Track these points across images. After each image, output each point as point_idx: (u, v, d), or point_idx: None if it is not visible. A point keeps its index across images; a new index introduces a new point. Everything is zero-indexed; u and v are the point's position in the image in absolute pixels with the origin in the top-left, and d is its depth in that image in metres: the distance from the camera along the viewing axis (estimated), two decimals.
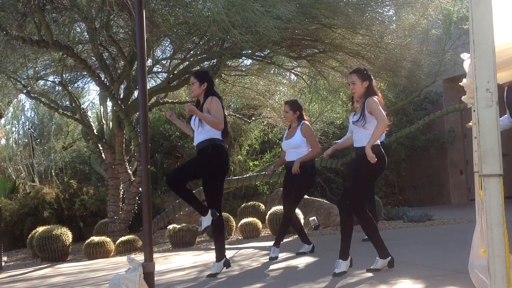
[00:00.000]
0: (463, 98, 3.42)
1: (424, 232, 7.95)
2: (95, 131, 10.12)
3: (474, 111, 3.36)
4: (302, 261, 5.97)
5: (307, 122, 6.40)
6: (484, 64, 1.58)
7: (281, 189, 11.33)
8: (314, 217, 9.22)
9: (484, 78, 1.58)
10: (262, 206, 10.71)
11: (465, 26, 9.64)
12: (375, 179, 5.20)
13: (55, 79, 10.72)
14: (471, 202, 12.36)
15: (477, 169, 3.34)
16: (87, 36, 9.17)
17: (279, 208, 9.05)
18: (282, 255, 6.43)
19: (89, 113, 10.69)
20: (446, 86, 12.62)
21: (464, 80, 3.38)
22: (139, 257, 3.35)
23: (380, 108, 4.79)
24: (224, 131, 5.37)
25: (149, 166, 2.73)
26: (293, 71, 10.62)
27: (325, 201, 10.03)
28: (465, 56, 3.45)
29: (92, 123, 10.24)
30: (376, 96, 4.87)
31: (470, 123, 3.94)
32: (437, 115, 11.03)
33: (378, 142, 4.83)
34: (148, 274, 2.78)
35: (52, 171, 14.22)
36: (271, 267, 5.70)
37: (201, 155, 5.32)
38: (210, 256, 7.17)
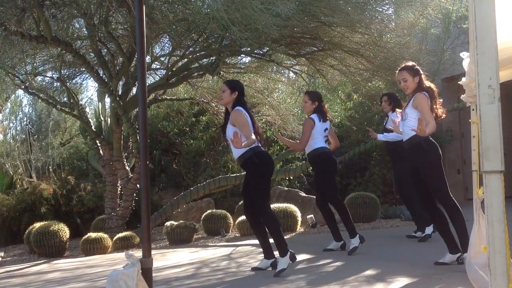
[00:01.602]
0: (462, 97, 3.42)
1: None
2: (93, 127, 10.11)
3: (473, 109, 3.37)
4: (300, 258, 5.97)
5: (310, 118, 6.39)
6: (487, 60, 1.58)
7: (279, 186, 11.39)
8: (312, 215, 9.24)
9: (487, 75, 1.58)
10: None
11: (464, 25, 9.64)
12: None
13: (54, 75, 10.70)
14: (468, 202, 12.40)
15: (476, 168, 3.35)
16: (85, 32, 9.14)
17: (277, 205, 9.07)
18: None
19: (87, 110, 10.69)
20: (444, 86, 12.61)
21: (463, 79, 3.39)
22: (137, 253, 3.35)
23: (428, 107, 4.85)
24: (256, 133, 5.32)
25: (148, 162, 2.72)
26: (292, 69, 10.61)
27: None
28: (464, 55, 3.45)
29: (90, 120, 10.22)
30: (425, 92, 4.90)
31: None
32: None
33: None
34: (146, 270, 2.77)
35: (50, 167, 14.22)
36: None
37: (247, 167, 5.29)
38: (207, 253, 7.19)
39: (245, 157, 5.22)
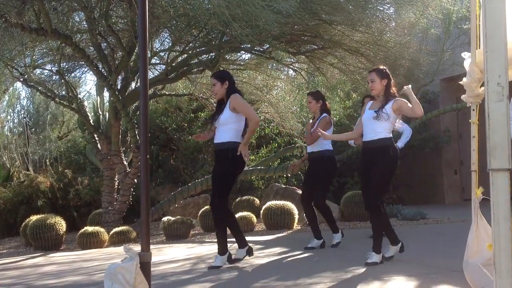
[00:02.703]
0: (462, 97, 3.41)
1: (418, 230, 7.97)
2: (91, 121, 10.10)
3: (473, 110, 3.36)
4: (296, 255, 5.98)
5: (327, 116, 6.47)
6: (496, 57, 1.58)
7: (276, 184, 11.39)
8: None
9: (496, 72, 1.59)
10: (257, 201, 10.71)
11: (464, 26, 9.65)
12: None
13: (53, 68, 10.68)
14: (465, 202, 12.44)
15: (475, 168, 3.34)
16: (86, 25, 9.13)
17: (274, 203, 9.08)
18: (276, 250, 6.44)
19: (85, 103, 10.68)
20: (443, 86, 12.64)
21: (465, 79, 3.38)
22: (133, 248, 3.34)
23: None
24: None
25: (148, 156, 2.72)
26: (291, 66, 10.61)
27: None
28: (466, 55, 3.44)
29: (88, 113, 10.21)
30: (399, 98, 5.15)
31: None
32: (434, 114, 11.03)
33: (390, 135, 5.17)
34: (145, 264, 2.77)
35: (47, 160, 14.19)
36: (264, 260, 5.70)
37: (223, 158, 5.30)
38: (203, 249, 7.19)
39: (225, 147, 5.23)
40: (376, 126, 5.09)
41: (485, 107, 1.64)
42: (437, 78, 11.27)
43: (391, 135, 5.21)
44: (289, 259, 5.85)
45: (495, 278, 1.60)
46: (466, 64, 3.41)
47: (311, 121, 6.79)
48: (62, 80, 10.17)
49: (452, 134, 13.12)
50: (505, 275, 1.56)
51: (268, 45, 8.85)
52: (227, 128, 5.27)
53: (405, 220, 9.02)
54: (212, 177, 5.47)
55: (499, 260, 1.58)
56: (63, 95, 10.25)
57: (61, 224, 8.61)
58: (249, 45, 8.72)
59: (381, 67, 5.32)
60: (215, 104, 11.24)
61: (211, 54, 9.30)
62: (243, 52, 10.12)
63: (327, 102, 6.74)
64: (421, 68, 9.69)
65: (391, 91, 5.16)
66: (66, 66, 10.76)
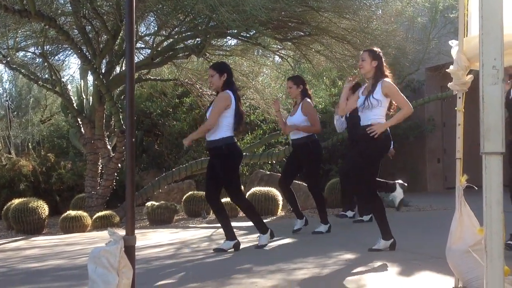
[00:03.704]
0: (449, 85, 3.42)
1: (401, 217, 8.03)
2: (75, 105, 9.99)
3: (459, 98, 3.38)
4: (280, 242, 6.00)
5: (309, 100, 6.43)
6: (492, 40, 1.58)
7: (261, 170, 11.40)
8: None
9: (491, 55, 1.58)
10: (241, 187, 10.70)
11: (451, 15, 9.68)
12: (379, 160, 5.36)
13: (36, 51, 10.52)
14: (447, 190, 12.58)
15: (460, 156, 3.36)
16: (70, 8, 8.99)
17: (258, 189, 9.09)
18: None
19: (69, 87, 10.55)
20: (428, 75, 12.69)
21: (451, 67, 3.39)
22: (117, 232, 3.32)
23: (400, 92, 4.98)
24: (237, 122, 5.36)
25: (133, 140, 2.70)
26: (278, 53, 10.57)
27: (304, 183, 10.08)
28: (453, 43, 3.45)
29: (72, 97, 10.10)
30: (388, 78, 4.98)
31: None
32: (420, 103, 11.09)
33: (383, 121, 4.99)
34: (129, 248, 2.75)
35: (29, 144, 14.05)
36: (249, 244, 5.72)
37: (216, 155, 5.37)
38: (187, 234, 7.19)
39: (215, 145, 5.28)
40: (369, 114, 4.95)
41: (480, 90, 1.64)
42: (423, 67, 11.32)
43: (384, 120, 5.02)
44: (273, 244, 5.87)
45: (485, 263, 1.61)
46: (453, 52, 3.42)
47: (293, 108, 6.75)
48: (46, 63, 10.05)
49: (436, 123, 13.21)
50: (497, 259, 1.57)
51: (254, 31, 8.80)
52: (219, 125, 5.28)
53: (388, 207, 9.07)
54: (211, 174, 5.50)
55: (490, 244, 1.58)
56: (46, 78, 10.12)
57: (43, 208, 8.54)
58: (235, 31, 8.67)
59: (375, 48, 5.17)
60: (200, 90, 11.25)
61: (197, 39, 9.22)
62: (230, 38, 10.06)
63: (307, 87, 6.67)
64: (407, 56, 9.71)
65: (383, 73, 4.98)
66: (50, 49, 10.60)
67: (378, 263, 4.44)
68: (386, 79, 4.96)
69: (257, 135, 13.03)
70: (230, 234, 5.43)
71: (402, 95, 5.02)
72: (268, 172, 11.11)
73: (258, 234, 5.60)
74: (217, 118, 5.23)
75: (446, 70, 3.50)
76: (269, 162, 12.02)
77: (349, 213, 7.90)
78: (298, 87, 6.42)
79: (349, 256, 4.85)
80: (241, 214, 9.29)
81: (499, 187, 1.60)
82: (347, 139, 8.06)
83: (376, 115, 4.95)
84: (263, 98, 11.08)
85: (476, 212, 3.30)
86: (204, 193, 5.71)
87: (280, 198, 9.00)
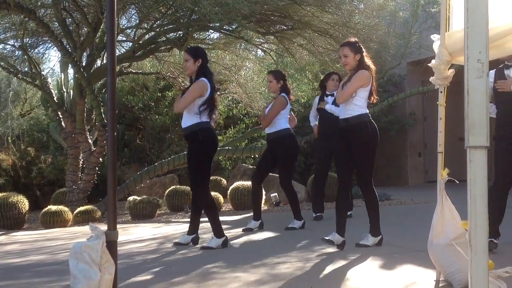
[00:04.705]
0: (431, 79, 3.44)
1: (383, 211, 8.03)
2: (55, 98, 9.87)
3: (441, 92, 3.40)
4: (263, 236, 6.00)
5: (283, 95, 6.40)
6: (477, 34, 1.58)
7: (244, 164, 11.39)
8: (275, 194, 9.28)
9: (476, 48, 1.58)
10: (224, 181, 10.70)
11: (432, 9, 9.73)
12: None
13: (15, 43, 10.37)
14: (428, 184, 12.70)
15: (441, 150, 3.38)
16: (50, 0, 8.87)
17: (241, 183, 9.08)
18: (240, 231, 6.45)
19: (49, 80, 10.43)
20: (409, 69, 12.77)
21: (433, 61, 3.41)
22: (99, 227, 3.29)
23: (359, 85, 4.78)
24: (210, 110, 5.27)
25: (115, 134, 2.66)
26: (260, 47, 10.55)
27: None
28: (435, 37, 3.47)
29: (52, 90, 9.98)
30: (366, 70, 4.84)
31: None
32: (401, 97, 11.15)
33: (365, 111, 4.87)
34: (111, 243, 2.72)
35: (9, 138, 13.86)
36: (231, 240, 5.71)
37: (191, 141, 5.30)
38: (170, 229, 7.16)
39: (191, 130, 5.20)
40: (347, 107, 4.85)
41: (464, 84, 1.64)
42: (404, 61, 11.38)
43: (366, 110, 4.92)
44: (255, 239, 5.87)
45: (470, 256, 1.62)
46: (435, 46, 3.44)
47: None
48: (25, 56, 9.91)
49: (417, 117, 13.31)
50: (481, 252, 1.58)
51: (237, 25, 8.76)
52: (189, 111, 5.22)
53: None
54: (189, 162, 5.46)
55: (475, 238, 1.59)
56: (26, 71, 9.99)
57: (23, 203, 8.44)
58: (218, 24, 8.62)
59: (353, 39, 5.02)
60: (182, 83, 11.18)
61: (179, 32, 9.16)
62: (212, 31, 10.01)
63: (287, 83, 6.64)
64: (389, 51, 9.76)
65: (364, 65, 4.85)
66: (30, 42, 10.47)
67: (360, 257, 4.46)
68: (362, 70, 4.83)
69: (240, 129, 13.00)
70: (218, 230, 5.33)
71: (355, 85, 4.78)
72: (251, 166, 11.11)
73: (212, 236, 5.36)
74: (187, 105, 5.15)
75: (428, 64, 3.52)
76: (252, 156, 12.01)
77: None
78: (278, 82, 6.42)
79: (331, 250, 4.87)
80: (224, 208, 9.29)
81: (483, 181, 1.61)
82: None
83: (355, 107, 4.82)
84: (246, 92, 11.06)
85: (457, 206, 3.33)
86: (190, 186, 5.62)
87: (263, 192, 8.99)
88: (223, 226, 6.69)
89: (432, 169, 11.52)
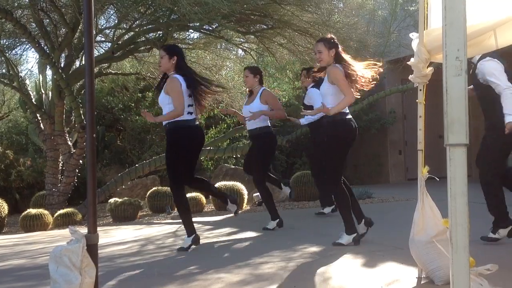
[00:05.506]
0: (410, 77, 3.46)
1: (364, 209, 8.05)
2: (33, 100, 9.76)
3: (420, 90, 3.42)
4: (245, 236, 5.99)
5: (267, 89, 6.43)
6: (455, 31, 1.58)
7: (226, 164, 11.37)
8: (258, 193, 9.26)
9: (455, 46, 1.59)
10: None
11: (411, 8, 9.81)
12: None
13: None
14: (409, 182, 12.80)
15: (421, 147, 3.41)
16: (27, 0, 8.76)
17: (223, 183, 9.06)
18: (225, 230, 6.44)
19: (27, 82, 10.31)
20: (389, 68, 12.83)
21: (412, 59, 3.43)
22: (79, 230, 3.25)
23: (343, 79, 4.70)
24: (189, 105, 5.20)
25: (94, 135, 2.63)
26: (241, 46, 10.54)
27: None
28: (413, 35, 3.49)
29: (30, 92, 9.86)
30: (335, 65, 4.78)
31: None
32: (381, 95, 11.22)
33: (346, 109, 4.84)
34: (92, 246, 2.70)
35: None
36: (214, 240, 5.69)
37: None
38: (152, 230, 7.11)
39: (171, 127, 5.15)
40: (325, 102, 4.79)
41: (443, 82, 1.65)
42: (384, 59, 11.44)
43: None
44: (238, 239, 5.86)
45: (451, 254, 1.63)
46: (414, 45, 3.47)
47: (247, 97, 6.67)
48: (2, 57, 9.79)
49: (397, 115, 13.40)
50: (462, 250, 1.59)
51: (217, 24, 8.74)
52: (164, 110, 5.19)
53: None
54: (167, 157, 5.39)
55: (455, 236, 1.60)
56: (4, 73, 9.88)
57: (2, 207, 8.34)
58: (198, 24, 8.59)
59: (329, 36, 4.96)
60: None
61: (159, 32, 9.11)
62: (192, 31, 9.97)
63: (263, 79, 6.67)
64: (368, 49, 9.80)
65: (340, 60, 4.79)
66: (7, 43, 10.34)
67: (342, 255, 4.48)
68: (334, 65, 4.78)
69: (221, 129, 12.97)
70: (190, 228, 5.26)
71: (346, 82, 4.72)
72: (233, 166, 11.09)
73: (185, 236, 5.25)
74: (183, 104, 5.11)
75: (407, 62, 3.55)
76: (234, 156, 11.99)
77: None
78: (255, 77, 6.40)
79: (314, 249, 4.87)
80: (206, 209, 9.26)
81: (463, 178, 1.62)
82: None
83: (331, 104, 4.76)
84: (227, 91, 11.03)
85: (438, 203, 3.36)
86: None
87: (245, 192, 9.00)
88: (206, 227, 6.70)
89: (413, 166, 11.61)
